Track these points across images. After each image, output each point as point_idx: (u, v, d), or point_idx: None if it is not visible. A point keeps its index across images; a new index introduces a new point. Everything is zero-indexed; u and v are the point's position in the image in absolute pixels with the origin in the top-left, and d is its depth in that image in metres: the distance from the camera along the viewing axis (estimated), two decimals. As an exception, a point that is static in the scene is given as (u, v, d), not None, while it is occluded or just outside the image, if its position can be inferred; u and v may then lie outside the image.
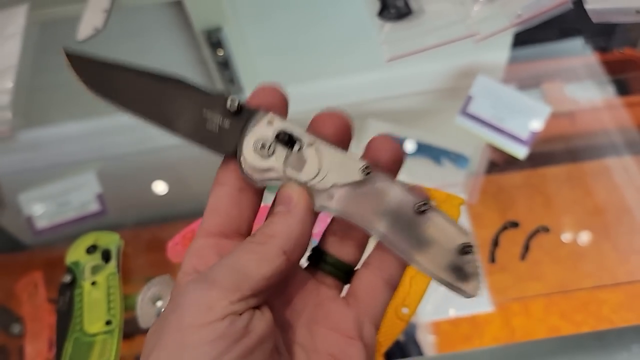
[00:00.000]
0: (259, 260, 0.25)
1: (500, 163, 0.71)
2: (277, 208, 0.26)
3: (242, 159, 0.26)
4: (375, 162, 0.27)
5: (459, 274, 0.26)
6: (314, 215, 0.27)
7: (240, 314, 0.24)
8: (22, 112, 0.66)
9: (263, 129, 0.26)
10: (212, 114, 0.27)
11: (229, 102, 0.26)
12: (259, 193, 0.28)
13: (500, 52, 0.74)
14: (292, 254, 0.25)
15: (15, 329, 0.66)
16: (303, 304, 0.28)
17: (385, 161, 0.28)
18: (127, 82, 0.27)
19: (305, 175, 0.26)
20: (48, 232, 0.67)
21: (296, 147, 0.27)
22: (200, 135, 0.27)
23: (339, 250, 0.29)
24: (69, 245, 0.54)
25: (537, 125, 0.65)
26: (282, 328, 0.28)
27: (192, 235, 0.55)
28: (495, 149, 0.68)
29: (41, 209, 0.68)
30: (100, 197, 0.67)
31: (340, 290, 0.29)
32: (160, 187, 0.73)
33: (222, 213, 0.27)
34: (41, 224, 0.67)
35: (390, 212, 0.26)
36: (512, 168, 0.73)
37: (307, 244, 0.26)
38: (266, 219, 0.27)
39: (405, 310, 0.43)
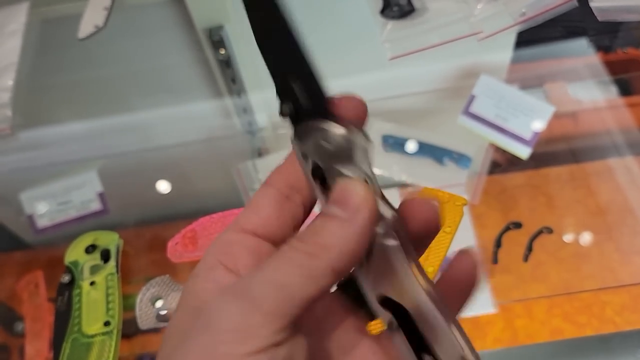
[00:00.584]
0: (306, 278, 0.21)
1: (503, 163, 0.71)
2: (335, 210, 0.22)
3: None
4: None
5: None
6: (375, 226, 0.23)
7: (281, 344, 0.20)
8: (23, 109, 0.65)
9: None
10: None
11: None
12: (307, 207, 0.25)
13: (503, 51, 0.74)
14: (341, 274, 0.22)
15: (18, 327, 0.66)
16: (332, 332, 0.25)
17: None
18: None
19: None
20: (49, 231, 0.67)
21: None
22: None
23: None
24: (70, 244, 0.54)
25: (540, 125, 0.65)
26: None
27: (193, 235, 0.54)
28: (498, 149, 0.67)
29: (42, 208, 0.67)
30: (102, 196, 0.67)
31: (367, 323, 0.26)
32: (161, 187, 0.72)
33: (262, 214, 0.24)
34: (42, 222, 0.67)
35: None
36: (514, 168, 0.73)
37: (358, 262, 0.23)
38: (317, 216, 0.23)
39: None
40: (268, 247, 0.24)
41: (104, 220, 0.67)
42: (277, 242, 0.25)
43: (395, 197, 0.71)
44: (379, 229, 0.23)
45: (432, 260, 0.44)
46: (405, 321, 0.23)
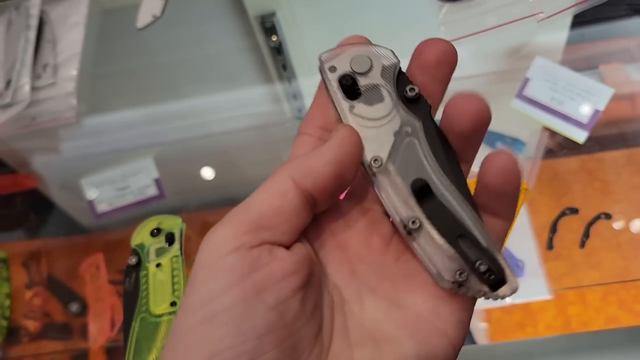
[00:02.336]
0: (266, 191, 0.24)
1: (557, 148, 0.69)
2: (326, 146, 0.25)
3: None
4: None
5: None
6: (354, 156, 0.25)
7: (252, 248, 0.22)
8: (86, 98, 0.68)
9: None
10: None
11: None
12: None
13: (559, 32, 0.71)
14: (304, 183, 0.24)
15: (73, 307, 0.69)
16: (383, 250, 0.26)
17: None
18: None
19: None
20: (108, 216, 0.69)
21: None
22: None
23: None
24: (128, 229, 0.55)
25: (598, 107, 0.63)
26: (352, 270, 0.26)
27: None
28: (553, 133, 0.66)
29: (102, 193, 0.70)
30: (158, 182, 0.69)
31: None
32: (214, 173, 0.74)
33: None
34: (102, 207, 0.69)
35: None
36: (568, 152, 0.71)
37: (339, 186, 0.25)
38: None
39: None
40: None
41: (160, 205, 0.69)
42: None
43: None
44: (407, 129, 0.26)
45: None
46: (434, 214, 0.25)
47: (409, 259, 0.26)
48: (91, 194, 0.70)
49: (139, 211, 0.69)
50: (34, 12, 0.68)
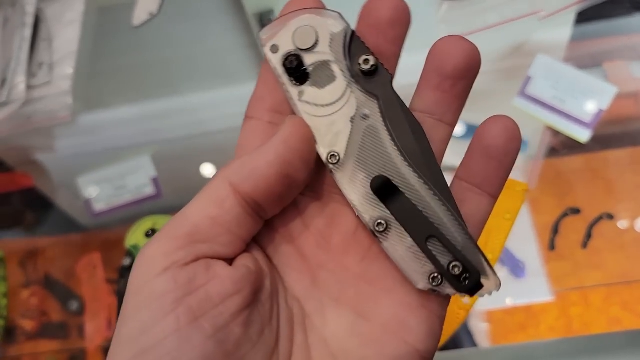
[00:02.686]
0: (202, 199, 0.21)
1: (560, 147, 0.68)
2: (271, 141, 0.22)
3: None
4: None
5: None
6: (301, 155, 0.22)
7: (186, 265, 0.20)
8: (82, 97, 0.67)
9: None
10: None
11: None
12: None
13: (562, 29, 0.71)
14: (243, 187, 0.21)
15: (73, 305, 0.68)
16: (351, 252, 0.24)
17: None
18: None
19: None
20: (105, 215, 0.69)
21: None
22: None
23: None
24: (125, 228, 0.55)
25: (601, 106, 0.62)
26: (316, 279, 0.23)
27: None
28: (555, 132, 0.65)
29: (99, 192, 0.69)
30: (155, 181, 0.68)
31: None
32: (212, 171, 0.73)
33: (250, 149, 0.23)
34: (99, 206, 0.69)
35: None
36: (571, 152, 0.70)
37: (287, 188, 0.22)
38: None
39: (466, 300, 0.42)
40: None
41: (157, 204, 0.68)
42: None
43: (447, 181, 0.70)
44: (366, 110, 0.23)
45: (492, 247, 0.43)
46: (401, 211, 0.22)
47: (376, 257, 0.24)
48: (88, 192, 0.69)
49: (137, 210, 0.68)
50: (30, 9, 0.68)
